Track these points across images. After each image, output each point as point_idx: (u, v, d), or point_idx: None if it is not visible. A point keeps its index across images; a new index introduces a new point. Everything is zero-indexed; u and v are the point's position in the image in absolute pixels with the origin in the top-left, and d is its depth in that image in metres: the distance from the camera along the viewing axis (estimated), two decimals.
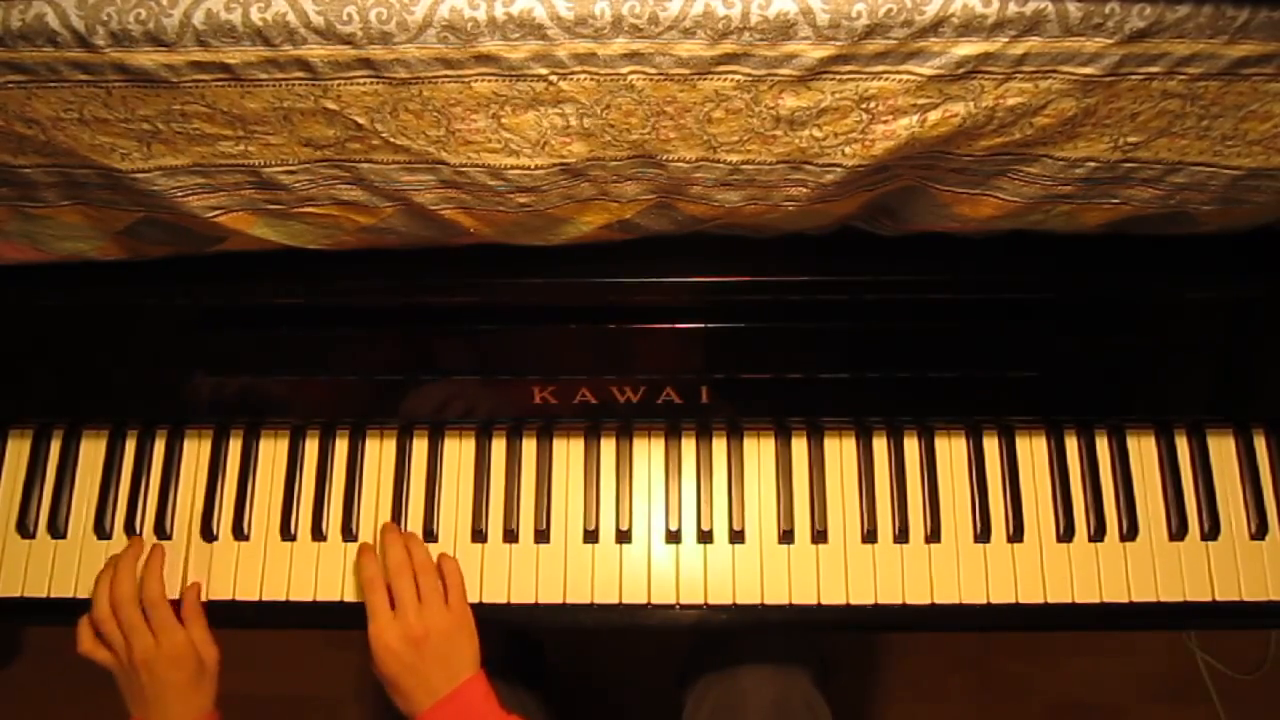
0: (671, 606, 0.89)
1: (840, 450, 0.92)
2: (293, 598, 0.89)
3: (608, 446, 0.93)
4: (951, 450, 0.92)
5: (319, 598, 0.89)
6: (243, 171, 0.72)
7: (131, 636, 0.82)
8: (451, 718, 0.79)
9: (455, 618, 0.83)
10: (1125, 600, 0.87)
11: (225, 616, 0.89)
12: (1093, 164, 0.71)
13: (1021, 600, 0.87)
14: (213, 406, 0.91)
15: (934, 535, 0.89)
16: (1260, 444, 0.92)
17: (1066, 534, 0.89)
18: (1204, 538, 0.89)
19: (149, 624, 0.83)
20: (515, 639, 1.22)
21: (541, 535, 0.90)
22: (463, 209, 0.75)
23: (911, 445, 0.92)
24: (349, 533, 0.90)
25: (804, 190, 0.72)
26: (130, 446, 0.94)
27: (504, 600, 0.88)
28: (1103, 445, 0.92)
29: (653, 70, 0.63)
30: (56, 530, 0.91)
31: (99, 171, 0.71)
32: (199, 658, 0.83)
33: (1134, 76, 0.64)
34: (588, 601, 0.88)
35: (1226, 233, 0.82)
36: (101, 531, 0.91)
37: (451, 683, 0.80)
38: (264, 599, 0.89)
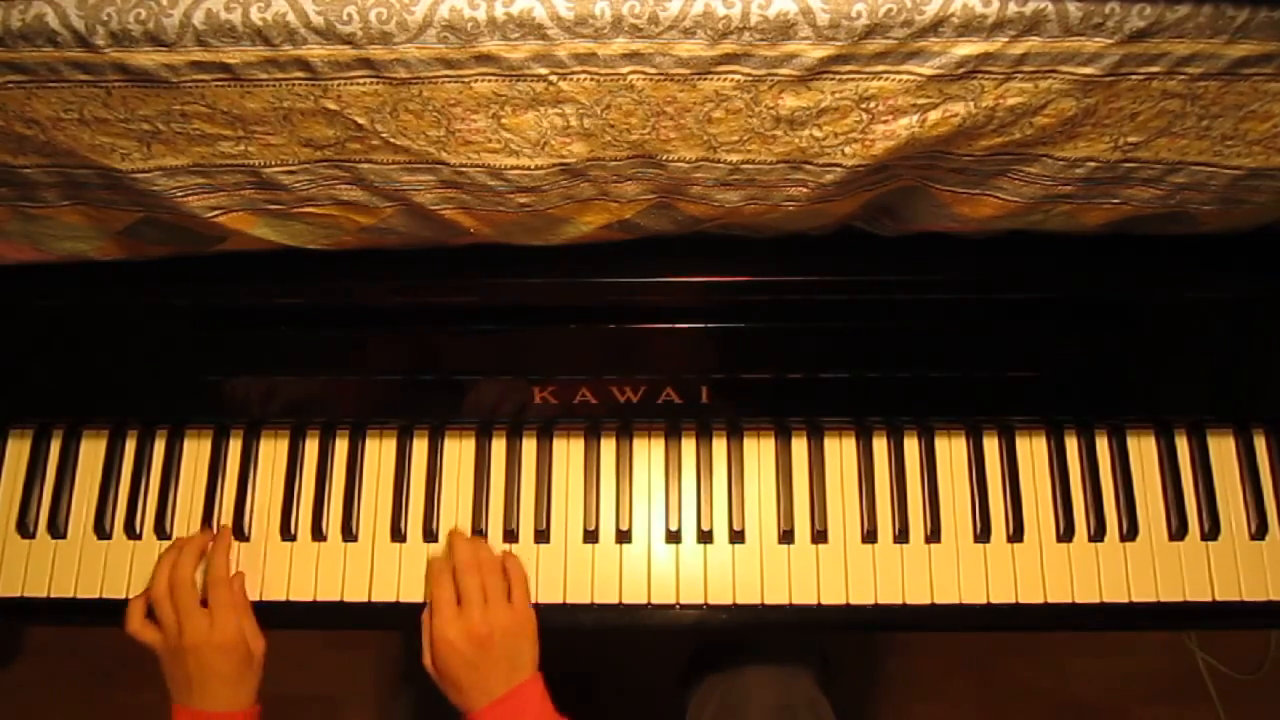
0: (671, 606, 0.89)
1: (840, 450, 0.92)
2: (293, 598, 0.89)
3: (608, 446, 0.93)
4: (951, 450, 0.92)
5: (319, 598, 0.89)
6: (243, 171, 0.72)
7: (185, 619, 0.81)
8: (506, 718, 0.79)
9: (519, 618, 0.83)
10: (1125, 600, 0.87)
11: None
12: (1093, 164, 0.71)
13: (1021, 600, 0.87)
14: (213, 406, 0.91)
15: (934, 535, 0.89)
16: (1260, 444, 0.92)
17: (1066, 534, 0.89)
18: (1204, 538, 0.89)
19: (205, 606, 0.83)
20: None
21: (541, 535, 0.90)
22: (463, 209, 0.75)
23: (911, 445, 0.92)
24: (349, 533, 0.90)
25: (804, 190, 0.72)
26: (130, 446, 0.94)
27: None
28: (1103, 445, 0.92)
29: (653, 70, 0.63)
30: (56, 530, 0.91)
31: (99, 171, 0.71)
32: (248, 647, 0.82)
33: (1134, 76, 0.64)
34: (587, 601, 0.88)
35: (1226, 233, 0.82)
36: (101, 531, 0.91)
37: (509, 683, 0.79)
38: (264, 599, 0.89)
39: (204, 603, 0.84)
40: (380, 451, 0.93)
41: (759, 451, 0.92)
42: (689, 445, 0.93)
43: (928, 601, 0.88)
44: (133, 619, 0.84)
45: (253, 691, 0.83)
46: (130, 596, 0.89)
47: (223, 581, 0.85)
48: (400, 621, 0.91)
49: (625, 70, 0.63)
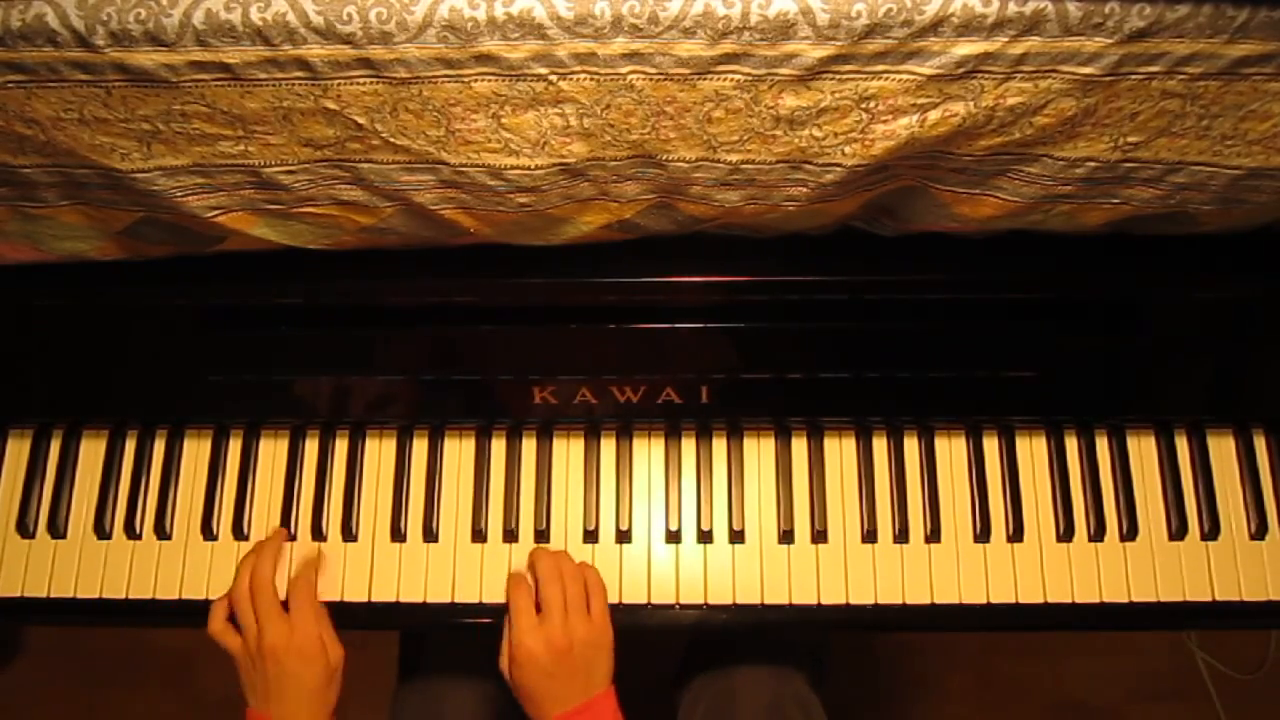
0: (671, 606, 0.89)
1: (840, 450, 0.92)
2: None
3: (608, 446, 0.93)
4: (951, 450, 0.92)
5: (319, 598, 0.89)
6: (243, 171, 0.72)
7: (265, 623, 0.81)
8: None
9: (596, 630, 0.83)
10: (1125, 600, 0.87)
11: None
12: (1093, 164, 0.71)
13: (1021, 600, 0.87)
14: (213, 406, 0.91)
15: (934, 535, 0.89)
16: (1260, 444, 0.92)
17: (1066, 534, 0.89)
18: (1204, 538, 0.89)
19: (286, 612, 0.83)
20: None
21: (541, 535, 0.90)
22: (463, 209, 0.75)
23: (911, 445, 0.92)
24: (348, 533, 0.90)
25: (804, 190, 0.73)
26: (130, 446, 0.94)
27: (504, 600, 0.88)
28: (1103, 445, 0.92)
29: (653, 70, 0.63)
30: (56, 530, 0.91)
31: (99, 171, 0.71)
32: (327, 655, 0.82)
33: (1134, 76, 0.64)
34: None
35: (1226, 233, 0.82)
36: (101, 531, 0.91)
37: (584, 695, 0.79)
38: None
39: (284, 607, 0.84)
40: (380, 451, 0.93)
41: (759, 451, 0.92)
42: (689, 445, 0.93)
43: (927, 601, 0.88)
44: (215, 620, 0.84)
45: (331, 706, 0.82)
46: (130, 596, 0.89)
47: (303, 590, 0.85)
48: (400, 621, 0.92)
49: (625, 70, 0.63)
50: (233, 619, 0.84)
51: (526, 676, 0.80)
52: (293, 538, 0.91)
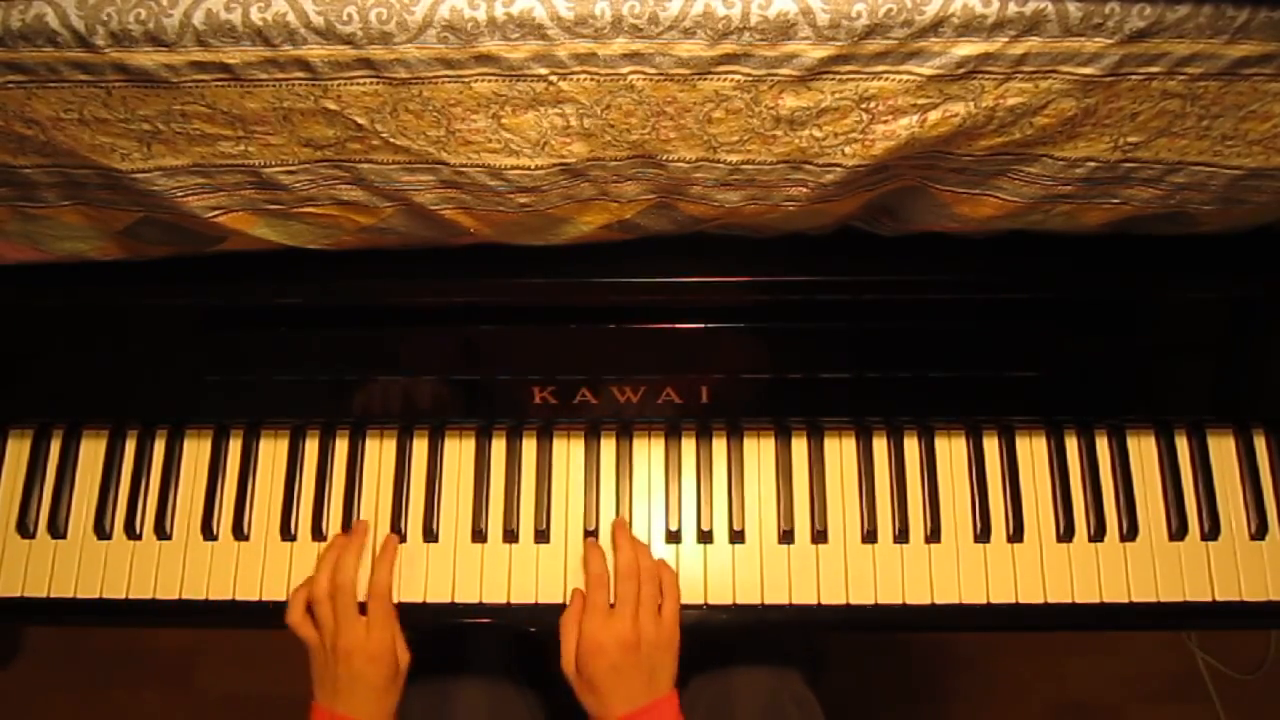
0: None
1: (840, 450, 0.92)
2: None
3: (608, 446, 0.93)
4: (951, 450, 0.92)
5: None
6: (243, 171, 0.72)
7: (343, 624, 0.82)
8: None
9: (666, 632, 0.84)
10: (1125, 600, 0.87)
11: (223, 616, 0.89)
12: (1093, 164, 0.71)
13: (1021, 600, 0.87)
14: (213, 406, 0.91)
15: (934, 535, 0.89)
16: (1260, 444, 0.92)
17: (1066, 534, 0.89)
18: (1204, 538, 0.89)
19: (364, 615, 0.83)
20: (516, 639, 1.22)
21: (541, 535, 0.90)
22: (463, 209, 0.75)
23: (911, 445, 0.92)
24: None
25: (804, 190, 0.73)
26: (130, 446, 0.94)
27: (504, 601, 0.88)
28: (1103, 445, 0.92)
29: (653, 70, 0.63)
30: (56, 530, 0.91)
31: (99, 172, 0.71)
32: (397, 659, 0.83)
33: (1134, 76, 0.64)
34: None
35: (1226, 233, 0.82)
36: (101, 531, 0.91)
37: (648, 695, 0.81)
38: (264, 599, 0.89)
39: (362, 608, 0.84)
40: (380, 451, 0.93)
41: (759, 451, 0.92)
42: (689, 445, 0.93)
43: (928, 601, 0.88)
44: (294, 611, 0.85)
45: (394, 706, 0.83)
46: (130, 596, 0.89)
47: (384, 594, 0.85)
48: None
49: (625, 70, 0.63)
50: (311, 610, 0.85)
51: (593, 668, 0.81)
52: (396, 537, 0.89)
